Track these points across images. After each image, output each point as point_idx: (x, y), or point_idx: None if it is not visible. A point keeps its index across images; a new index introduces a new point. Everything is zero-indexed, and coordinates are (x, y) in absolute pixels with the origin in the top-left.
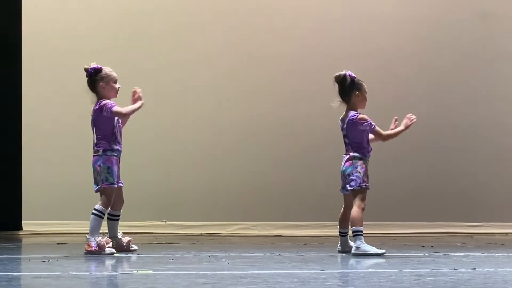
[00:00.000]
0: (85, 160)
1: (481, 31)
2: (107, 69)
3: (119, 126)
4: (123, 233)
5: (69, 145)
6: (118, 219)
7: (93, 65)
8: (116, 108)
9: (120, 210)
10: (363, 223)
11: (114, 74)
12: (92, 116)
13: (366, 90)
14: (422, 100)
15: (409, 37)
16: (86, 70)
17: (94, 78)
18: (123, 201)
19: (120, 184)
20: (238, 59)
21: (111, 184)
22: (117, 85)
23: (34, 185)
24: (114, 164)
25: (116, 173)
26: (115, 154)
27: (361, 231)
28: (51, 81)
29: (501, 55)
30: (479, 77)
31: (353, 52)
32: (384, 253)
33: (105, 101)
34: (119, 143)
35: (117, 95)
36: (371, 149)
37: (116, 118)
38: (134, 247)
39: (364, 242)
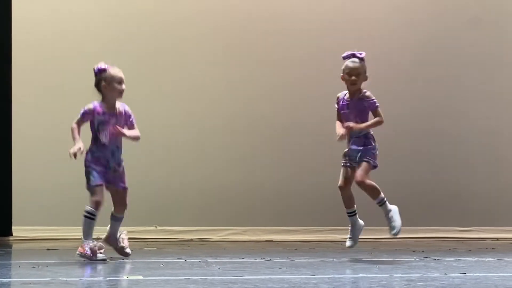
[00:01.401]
0: (76, 165)
1: (474, 36)
2: (111, 70)
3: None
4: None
5: (60, 150)
6: (119, 221)
7: (99, 65)
8: (75, 121)
9: (120, 213)
10: (349, 225)
11: (119, 75)
12: None
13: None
14: (415, 106)
15: (406, 41)
16: (94, 69)
17: (98, 78)
18: (124, 204)
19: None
20: (231, 61)
21: (89, 183)
22: (121, 86)
23: (24, 190)
24: (96, 165)
25: (97, 173)
26: (96, 155)
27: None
28: (41, 85)
29: (496, 59)
30: (473, 83)
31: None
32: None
33: (90, 104)
34: (103, 146)
35: (122, 96)
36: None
37: (96, 122)
38: (128, 250)
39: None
